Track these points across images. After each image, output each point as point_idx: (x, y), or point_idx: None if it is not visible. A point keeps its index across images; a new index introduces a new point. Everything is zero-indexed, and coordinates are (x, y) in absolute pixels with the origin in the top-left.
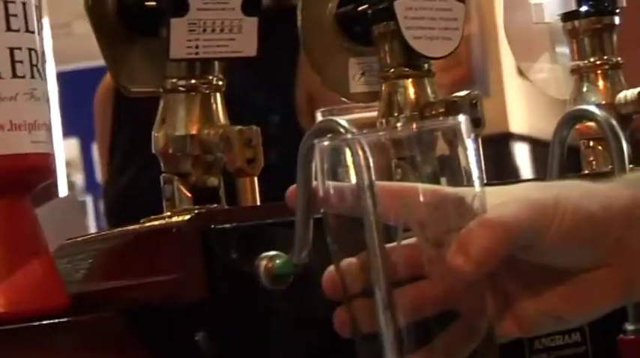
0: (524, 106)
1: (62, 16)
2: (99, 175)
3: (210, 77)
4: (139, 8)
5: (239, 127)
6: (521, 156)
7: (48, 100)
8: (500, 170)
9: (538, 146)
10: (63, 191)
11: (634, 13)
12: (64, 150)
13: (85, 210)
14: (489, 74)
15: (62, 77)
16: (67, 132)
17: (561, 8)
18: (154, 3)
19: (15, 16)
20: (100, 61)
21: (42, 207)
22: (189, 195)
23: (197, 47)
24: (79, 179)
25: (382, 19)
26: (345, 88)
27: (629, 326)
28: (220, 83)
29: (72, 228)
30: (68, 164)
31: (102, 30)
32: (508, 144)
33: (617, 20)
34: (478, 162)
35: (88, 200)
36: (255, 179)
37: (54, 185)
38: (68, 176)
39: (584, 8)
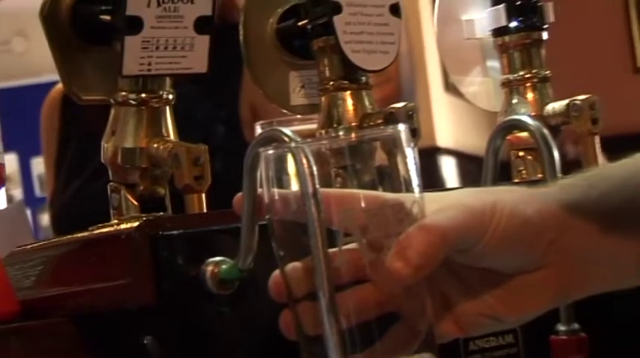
0: (450, 122)
1: (1, 33)
2: (37, 190)
3: (161, 92)
4: (93, 20)
5: (187, 145)
6: (448, 168)
7: None
8: (428, 182)
9: (463, 159)
10: (2, 203)
11: (562, 27)
12: None
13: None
14: (417, 91)
15: (0, 93)
16: (6, 147)
17: (492, 24)
18: (108, 17)
19: None
20: (39, 79)
21: None
22: (136, 203)
23: (149, 64)
24: (18, 193)
25: (322, 33)
26: (285, 100)
27: (562, 327)
28: (170, 97)
29: (19, 235)
30: (7, 178)
31: (55, 38)
32: (435, 158)
33: (545, 35)
34: (417, 169)
35: (27, 213)
36: (203, 195)
37: None
38: (7, 190)
39: (513, 24)
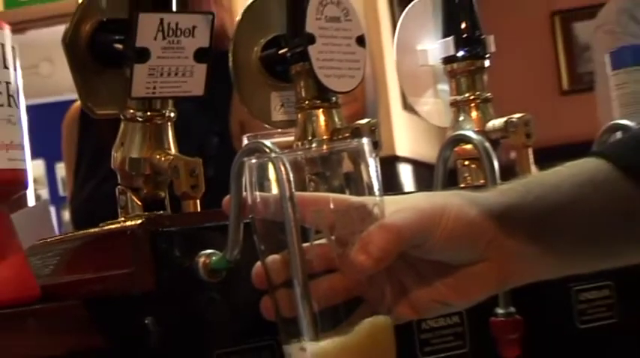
0: (407, 135)
1: (30, 59)
2: (61, 190)
3: (164, 111)
4: (107, 48)
5: (185, 158)
6: (405, 174)
7: (22, 125)
8: (388, 186)
9: (418, 166)
10: (31, 202)
11: (502, 57)
12: (32, 168)
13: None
14: (379, 109)
15: (30, 109)
16: (34, 154)
17: (442, 53)
18: (120, 46)
19: None
20: (61, 97)
21: (18, 213)
22: (140, 204)
23: (154, 88)
24: (44, 193)
25: (299, 60)
26: (268, 116)
27: (500, 310)
28: (172, 115)
29: (43, 229)
30: (35, 180)
31: (75, 62)
32: (394, 165)
33: (487, 63)
34: (378, 176)
35: (52, 211)
36: (198, 201)
37: (24, 196)
38: (35, 190)
39: (460, 53)
